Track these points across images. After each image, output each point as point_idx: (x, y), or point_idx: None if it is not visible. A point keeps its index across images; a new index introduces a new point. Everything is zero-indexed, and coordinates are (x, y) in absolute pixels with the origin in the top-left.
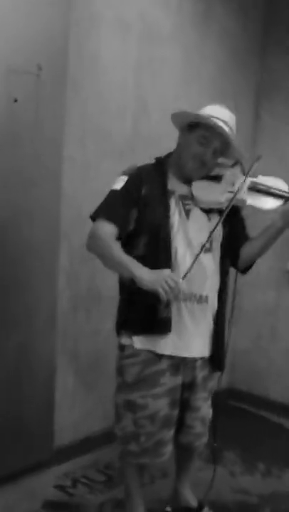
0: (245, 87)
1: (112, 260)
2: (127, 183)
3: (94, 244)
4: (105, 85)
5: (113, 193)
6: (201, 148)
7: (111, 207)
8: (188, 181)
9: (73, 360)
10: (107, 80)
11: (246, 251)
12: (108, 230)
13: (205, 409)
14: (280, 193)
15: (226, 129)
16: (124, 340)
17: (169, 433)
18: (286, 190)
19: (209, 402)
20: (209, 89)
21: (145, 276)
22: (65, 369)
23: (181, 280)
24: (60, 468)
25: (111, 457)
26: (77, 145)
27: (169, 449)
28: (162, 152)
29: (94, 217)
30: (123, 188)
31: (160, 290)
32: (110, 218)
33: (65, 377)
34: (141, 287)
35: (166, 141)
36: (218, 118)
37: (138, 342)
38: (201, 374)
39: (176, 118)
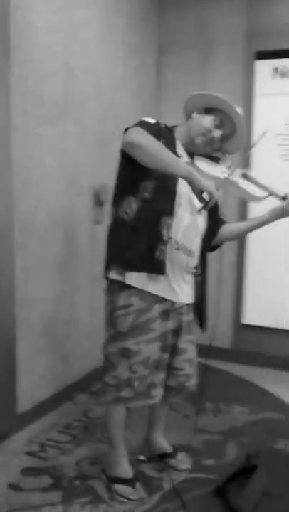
0: (148, 45)
1: (166, 159)
2: (154, 125)
3: (144, 139)
4: (38, 51)
5: (146, 123)
6: (213, 128)
7: (148, 128)
8: (190, 154)
9: (26, 327)
10: (40, 44)
11: (227, 232)
12: (146, 133)
13: (192, 351)
14: (266, 186)
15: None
16: (114, 275)
17: (160, 376)
18: (270, 185)
19: (195, 345)
20: (121, 50)
21: (203, 180)
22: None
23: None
24: (22, 435)
25: (66, 418)
26: (20, 112)
27: (159, 391)
28: (91, 117)
29: (130, 128)
30: (154, 124)
31: (213, 191)
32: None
33: (20, 344)
34: (197, 184)
35: (94, 105)
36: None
37: (130, 278)
38: (186, 318)
39: (196, 99)
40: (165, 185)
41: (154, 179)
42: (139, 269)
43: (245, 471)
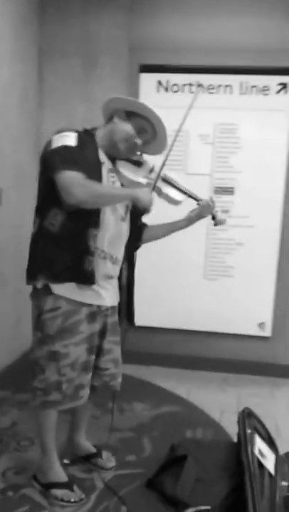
0: (30, 50)
1: (110, 196)
2: (78, 140)
3: (85, 192)
4: None
5: (69, 148)
6: (136, 134)
7: (74, 160)
8: (112, 159)
9: None
10: None
11: (148, 235)
12: (79, 175)
13: (116, 351)
14: (187, 191)
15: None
16: (41, 285)
17: (87, 377)
18: (189, 189)
19: (119, 346)
20: (8, 52)
21: (140, 193)
22: None
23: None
24: None
25: None
26: None
27: (86, 392)
28: None
29: (59, 170)
30: (77, 146)
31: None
32: (77, 169)
33: None
34: (139, 204)
35: None
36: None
37: (57, 288)
38: (111, 320)
39: (116, 103)
40: None
41: None
42: (67, 280)
43: (174, 462)
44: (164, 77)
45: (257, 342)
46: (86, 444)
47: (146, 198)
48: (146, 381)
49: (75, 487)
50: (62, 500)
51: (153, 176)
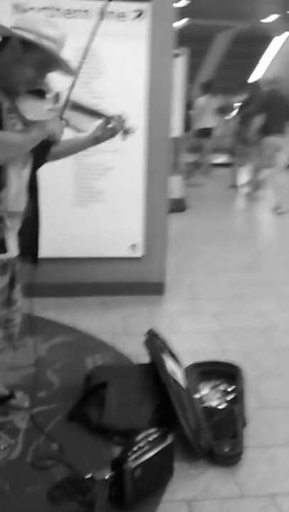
0: None
1: (23, 143)
2: None
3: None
4: None
5: None
6: (37, 72)
7: None
8: (10, 94)
9: None
10: None
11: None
12: None
13: (20, 300)
14: (97, 111)
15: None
16: None
17: (7, 331)
18: (96, 108)
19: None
20: None
21: (55, 126)
22: None
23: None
24: None
25: None
26: None
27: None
28: None
29: None
30: None
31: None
32: None
33: None
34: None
35: None
36: (52, 39)
37: None
38: (17, 268)
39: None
40: None
41: None
42: None
43: (92, 391)
44: None
45: (130, 263)
46: None
47: (59, 128)
48: (29, 313)
49: (1, 433)
50: None
51: (60, 105)
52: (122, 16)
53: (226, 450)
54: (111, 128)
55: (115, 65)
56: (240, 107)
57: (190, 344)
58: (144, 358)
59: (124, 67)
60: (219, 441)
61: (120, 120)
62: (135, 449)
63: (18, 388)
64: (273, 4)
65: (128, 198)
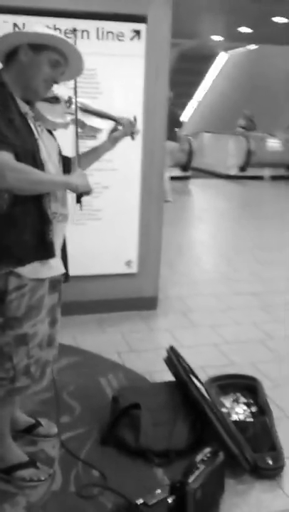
0: None
1: (41, 184)
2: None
3: (17, 178)
4: None
5: None
6: (53, 71)
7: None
8: (27, 102)
9: None
10: None
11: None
12: (11, 158)
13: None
14: (107, 114)
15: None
16: (3, 272)
17: (52, 352)
18: (105, 111)
19: None
20: None
21: (77, 180)
22: None
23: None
24: None
25: None
26: None
27: (51, 369)
28: None
29: None
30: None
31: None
32: (6, 149)
33: None
34: (78, 192)
35: None
36: (61, 38)
37: (22, 270)
38: (61, 286)
39: (16, 38)
40: (33, 161)
41: (19, 159)
42: (31, 261)
43: (124, 413)
44: (19, 19)
45: (125, 279)
46: (23, 416)
47: (83, 183)
48: None
49: (39, 464)
50: (31, 480)
51: (73, 108)
52: (121, 35)
53: (271, 462)
54: (124, 130)
55: (114, 84)
56: None
57: (197, 358)
58: (158, 375)
59: (122, 85)
60: (260, 454)
61: (129, 122)
62: (194, 470)
63: (41, 415)
64: (217, 24)
65: (124, 215)
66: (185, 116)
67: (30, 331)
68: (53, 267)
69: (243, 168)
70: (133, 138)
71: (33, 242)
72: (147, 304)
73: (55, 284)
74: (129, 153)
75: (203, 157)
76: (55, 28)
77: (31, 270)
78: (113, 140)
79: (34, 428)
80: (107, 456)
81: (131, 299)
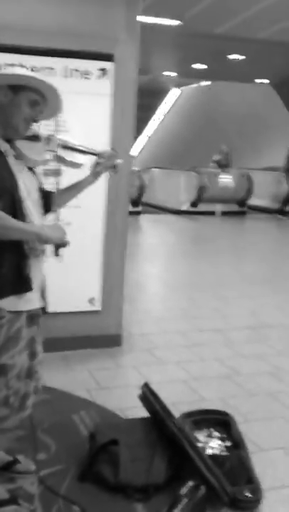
0: None
1: (13, 230)
2: None
3: None
4: None
5: None
6: (32, 110)
7: None
8: (8, 140)
9: None
10: None
11: (57, 202)
12: None
13: (41, 351)
14: (87, 149)
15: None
16: None
17: (32, 384)
18: (89, 147)
19: None
20: None
21: (49, 232)
22: None
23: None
24: None
25: None
26: None
27: (31, 401)
28: None
29: None
30: None
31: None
32: None
33: None
34: (49, 244)
35: None
36: (41, 80)
37: (1, 303)
38: (40, 319)
39: None
40: (12, 200)
41: None
42: (8, 295)
43: (102, 449)
44: None
45: (88, 316)
46: (1, 453)
47: (58, 235)
48: None
49: (20, 500)
50: None
51: (52, 145)
52: (87, 74)
53: (249, 495)
54: (105, 163)
55: (80, 122)
56: None
57: (167, 394)
58: (130, 412)
59: (88, 124)
60: (238, 487)
61: (110, 155)
62: (178, 503)
63: (17, 452)
64: (172, 60)
65: (87, 252)
66: (134, 151)
67: (9, 362)
68: (31, 301)
69: (194, 204)
70: (115, 172)
71: (10, 276)
72: (112, 341)
73: (33, 316)
74: (93, 190)
75: (154, 192)
76: (22, 66)
77: (9, 303)
78: (96, 174)
79: (12, 465)
80: (87, 491)
81: (95, 336)
